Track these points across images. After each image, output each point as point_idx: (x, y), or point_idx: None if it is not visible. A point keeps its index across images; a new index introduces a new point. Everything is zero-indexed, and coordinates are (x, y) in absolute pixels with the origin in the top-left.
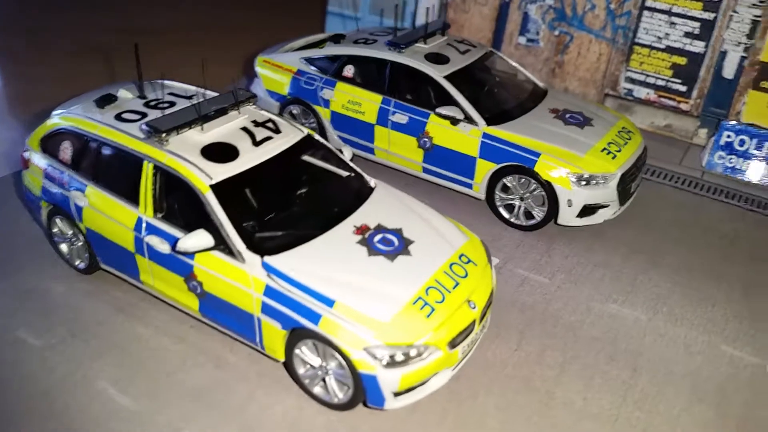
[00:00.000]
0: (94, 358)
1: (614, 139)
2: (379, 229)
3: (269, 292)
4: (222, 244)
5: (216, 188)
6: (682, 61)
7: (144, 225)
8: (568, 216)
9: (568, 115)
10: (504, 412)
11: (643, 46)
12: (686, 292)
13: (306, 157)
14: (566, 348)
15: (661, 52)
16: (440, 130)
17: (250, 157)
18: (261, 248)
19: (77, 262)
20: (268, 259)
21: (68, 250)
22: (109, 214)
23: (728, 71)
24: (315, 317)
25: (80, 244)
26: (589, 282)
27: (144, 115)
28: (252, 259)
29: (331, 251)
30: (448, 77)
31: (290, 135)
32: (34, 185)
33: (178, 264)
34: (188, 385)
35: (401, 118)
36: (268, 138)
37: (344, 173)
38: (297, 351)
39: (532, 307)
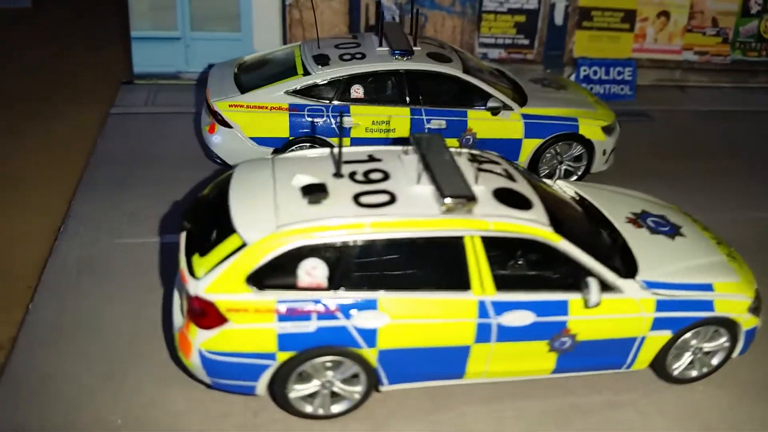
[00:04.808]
0: None
1: (586, 92)
2: (639, 215)
3: (661, 305)
4: None
5: (559, 233)
6: (522, 18)
7: (490, 307)
8: (600, 163)
9: (546, 82)
10: None
11: (490, 12)
12: (702, 190)
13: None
14: None
15: (505, 15)
16: (482, 124)
17: (528, 191)
18: (621, 271)
19: (333, 409)
20: (643, 277)
21: (316, 404)
22: (427, 316)
23: (558, 19)
24: (708, 305)
25: (340, 381)
26: None
27: (388, 193)
28: (630, 284)
29: (653, 247)
30: (466, 72)
31: (494, 157)
32: (257, 341)
33: (543, 329)
34: None
35: (439, 123)
36: (498, 166)
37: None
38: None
39: None
